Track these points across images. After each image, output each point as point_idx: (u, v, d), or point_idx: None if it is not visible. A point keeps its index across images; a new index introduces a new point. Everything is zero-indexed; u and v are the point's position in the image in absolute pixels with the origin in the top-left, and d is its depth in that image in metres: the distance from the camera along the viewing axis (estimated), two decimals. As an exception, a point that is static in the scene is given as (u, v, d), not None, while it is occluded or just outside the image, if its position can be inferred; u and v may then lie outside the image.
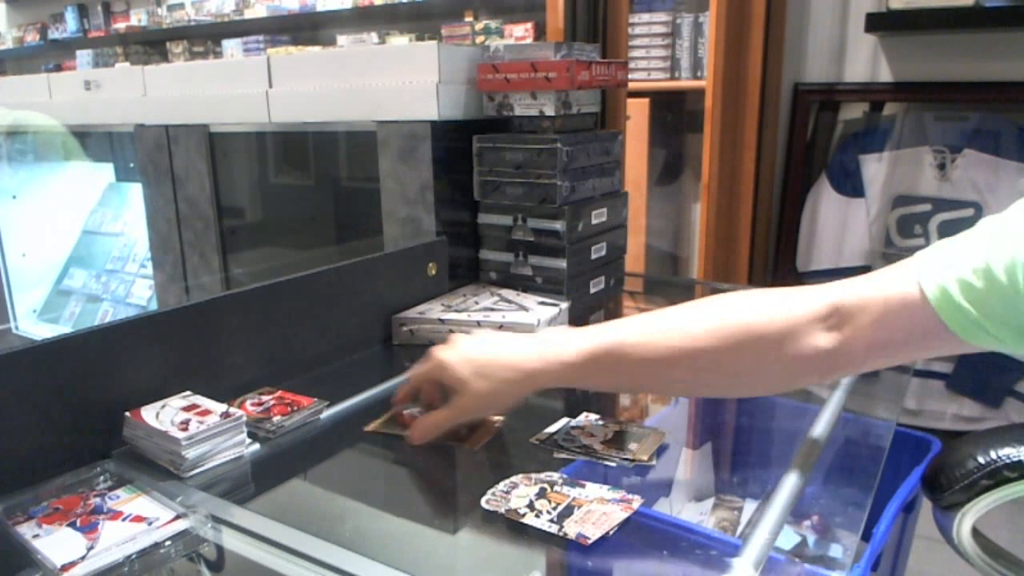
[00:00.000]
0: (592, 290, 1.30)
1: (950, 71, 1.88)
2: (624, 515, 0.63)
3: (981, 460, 0.79)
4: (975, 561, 0.78)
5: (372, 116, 1.25)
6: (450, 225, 1.24)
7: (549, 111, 1.19)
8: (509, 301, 1.17)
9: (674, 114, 2.65)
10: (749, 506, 0.89)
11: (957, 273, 0.61)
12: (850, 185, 1.99)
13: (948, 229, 1.72)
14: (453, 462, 0.81)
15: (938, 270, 0.63)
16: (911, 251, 0.66)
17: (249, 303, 0.91)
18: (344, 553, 0.59)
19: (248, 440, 0.76)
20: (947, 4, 1.73)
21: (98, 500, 0.66)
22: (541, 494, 0.66)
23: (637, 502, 0.65)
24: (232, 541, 0.63)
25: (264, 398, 0.85)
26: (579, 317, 1.22)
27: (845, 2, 1.98)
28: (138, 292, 1.92)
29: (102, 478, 0.70)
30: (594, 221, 1.27)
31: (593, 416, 0.83)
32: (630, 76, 1.57)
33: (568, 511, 0.63)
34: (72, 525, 0.62)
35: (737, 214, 2.09)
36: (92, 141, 1.97)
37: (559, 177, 1.17)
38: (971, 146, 1.83)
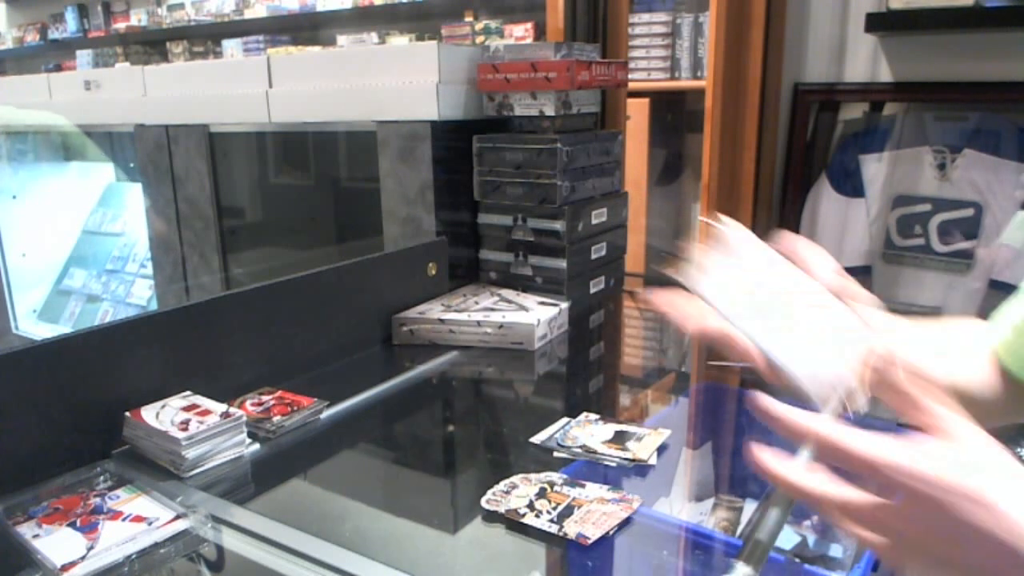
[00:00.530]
0: (592, 290, 1.30)
1: (950, 71, 1.88)
2: (624, 515, 0.63)
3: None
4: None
5: (372, 116, 1.25)
6: (450, 225, 1.24)
7: (549, 111, 1.18)
8: (509, 301, 1.17)
9: (674, 114, 2.65)
10: (749, 506, 0.89)
11: (1012, 319, 0.60)
12: (850, 185, 1.99)
13: (948, 229, 1.72)
14: (453, 462, 0.81)
15: (1002, 319, 0.61)
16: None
17: (249, 303, 0.91)
18: (344, 553, 0.59)
19: (248, 440, 0.76)
20: (947, 4, 1.72)
21: (98, 500, 0.66)
22: (541, 494, 0.66)
23: (637, 502, 0.64)
24: (232, 541, 0.63)
25: (264, 398, 0.85)
26: (579, 317, 1.22)
27: (845, 2, 1.98)
28: (138, 292, 1.92)
29: (102, 478, 0.70)
30: (594, 221, 1.27)
31: (593, 416, 0.83)
32: (630, 76, 1.56)
33: (568, 511, 0.63)
34: (72, 525, 0.62)
35: (737, 214, 2.09)
36: (92, 141, 1.97)
37: (559, 177, 1.17)
38: (971, 146, 1.83)
